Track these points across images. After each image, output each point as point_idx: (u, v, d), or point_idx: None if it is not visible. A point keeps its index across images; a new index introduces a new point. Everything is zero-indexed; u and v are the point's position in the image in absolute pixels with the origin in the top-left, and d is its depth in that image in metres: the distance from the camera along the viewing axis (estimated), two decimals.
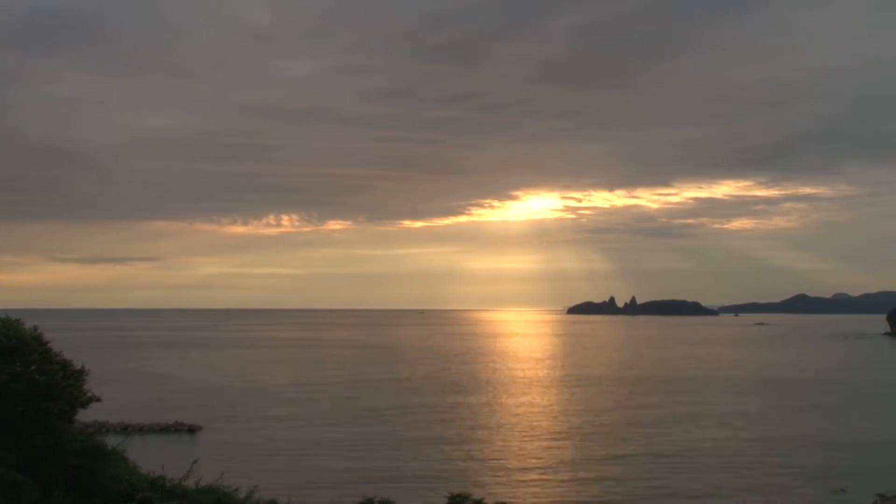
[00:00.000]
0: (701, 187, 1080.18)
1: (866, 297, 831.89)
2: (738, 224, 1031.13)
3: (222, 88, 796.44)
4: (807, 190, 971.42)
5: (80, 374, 16.22)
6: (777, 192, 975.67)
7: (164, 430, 69.72)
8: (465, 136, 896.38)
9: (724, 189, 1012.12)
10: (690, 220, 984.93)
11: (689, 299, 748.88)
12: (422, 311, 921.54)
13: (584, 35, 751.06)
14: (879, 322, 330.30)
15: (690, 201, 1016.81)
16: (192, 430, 70.48)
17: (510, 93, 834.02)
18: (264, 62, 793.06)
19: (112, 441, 16.36)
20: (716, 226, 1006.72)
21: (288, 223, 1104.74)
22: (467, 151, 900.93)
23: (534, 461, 58.68)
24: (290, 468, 55.24)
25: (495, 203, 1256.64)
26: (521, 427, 73.89)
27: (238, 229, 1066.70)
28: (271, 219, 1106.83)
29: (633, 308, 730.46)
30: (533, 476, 53.90)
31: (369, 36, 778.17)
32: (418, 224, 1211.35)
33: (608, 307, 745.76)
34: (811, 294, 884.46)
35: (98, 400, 16.55)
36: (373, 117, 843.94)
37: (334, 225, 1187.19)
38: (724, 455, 60.75)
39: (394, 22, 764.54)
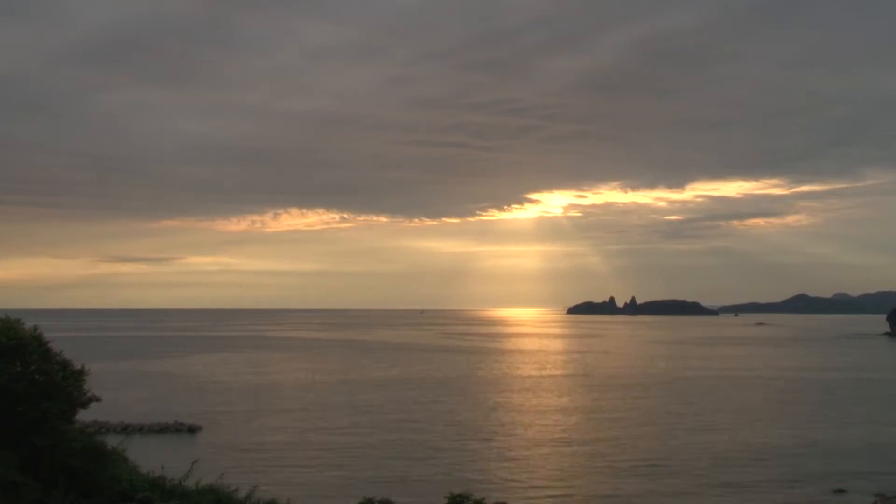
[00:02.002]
0: (717, 188, 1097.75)
1: (866, 296, 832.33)
2: (747, 225, 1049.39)
3: (273, 99, 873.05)
4: (822, 191, 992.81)
5: (80, 374, 16.18)
6: (790, 192, 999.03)
7: (164, 430, 69.67)
8: (493, 140, 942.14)
9: (738, 191, 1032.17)
10: (706, 222, 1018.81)
11: (689, 299, 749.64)
12: (422, 311, 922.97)
13: (625, 49, 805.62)
14: (879, 322, 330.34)
15: (702, 203, 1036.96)
16: (192, 430, 70.42)
17: (545, 101, 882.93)
18: (317, 74, 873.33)
19: (112, 441, 16.34)
20: (725, 226, 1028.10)
21: (303, 224, 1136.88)
22: (492, 154, 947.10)
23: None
24: (290, 468, 55.22)
25: (514, 205, 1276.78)
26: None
27: (242, 227, 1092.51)
28: (288, 220, 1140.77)
29: (632, 308, 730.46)
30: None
31: (420, 51, 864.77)
32: (429, 223, 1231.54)
33: (608, 307, 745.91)
34: (811, 294, 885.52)
35: (98, 400, 16.52)
36: (408, 124, 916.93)
37: (344, 225, 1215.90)
38: (724, 454, 60.74)
39: (445, 39, 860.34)
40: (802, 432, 71.82)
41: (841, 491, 49.51)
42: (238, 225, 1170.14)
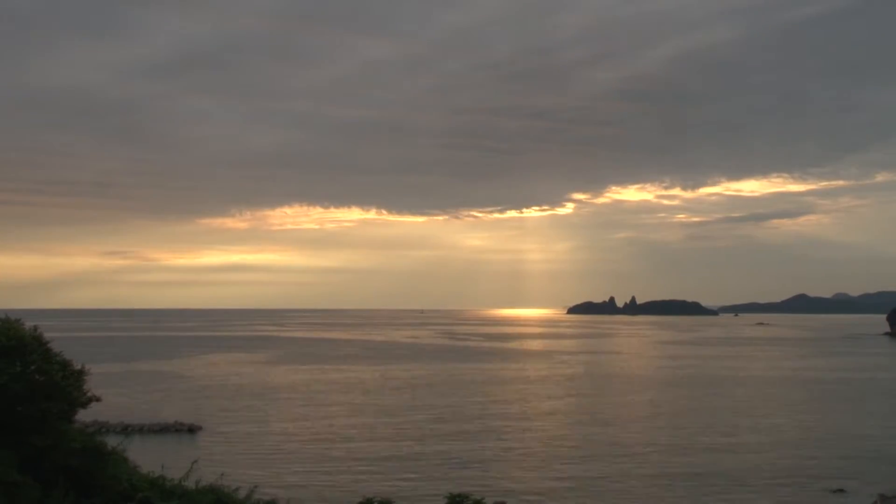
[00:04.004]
0: (731, 189, 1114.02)
1: (866, 296, 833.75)
2: (760, 227, 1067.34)
3: (319, 107, 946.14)
4: (836, 189, 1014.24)
5: (80, 374, 16.19)
6: (805, 193, 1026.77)
7: (164, 430, 69.62)
8: (519, 144, 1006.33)
9: (753, 192, 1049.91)
10: (719, 224, 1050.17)
11: (689, 299, 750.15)
12: (422, 311, 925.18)
13: (666, 62, 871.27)
14: (880, 322, 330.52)
15: (716, 204, 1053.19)
16: (192, 430, 70.36)
17: (573, 106, 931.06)
18: (365, 85, 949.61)
19: (112, 441, 16.34)
20: (735, 227, 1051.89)
21: (316, 223, 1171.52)
22: (516, 158, 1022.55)
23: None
24: (290, 468, 55.21)
25: (533, 206, 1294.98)
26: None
27: (244, 225, 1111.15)
28: (298, 220, 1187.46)
29: (632, 308, 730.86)
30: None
31: (467, 64, 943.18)
32: (439, 222, 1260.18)
33: (608, 307, 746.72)
34: (811, 294, 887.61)
35: (98, 400, 16.52)
36: (442, 129, 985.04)
37: (349, 225, 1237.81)
38: (724, 454, 60.77)
39: (492, 53, 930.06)
40: (803, 431, 71.80)
41: (841, 491, 49.48)
42: (248, 223, 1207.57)
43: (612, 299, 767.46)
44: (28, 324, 16.28)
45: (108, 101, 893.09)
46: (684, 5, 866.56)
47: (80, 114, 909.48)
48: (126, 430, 64.99)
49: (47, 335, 16.37)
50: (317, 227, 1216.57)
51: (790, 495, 48.77)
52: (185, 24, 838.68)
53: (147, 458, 19.26)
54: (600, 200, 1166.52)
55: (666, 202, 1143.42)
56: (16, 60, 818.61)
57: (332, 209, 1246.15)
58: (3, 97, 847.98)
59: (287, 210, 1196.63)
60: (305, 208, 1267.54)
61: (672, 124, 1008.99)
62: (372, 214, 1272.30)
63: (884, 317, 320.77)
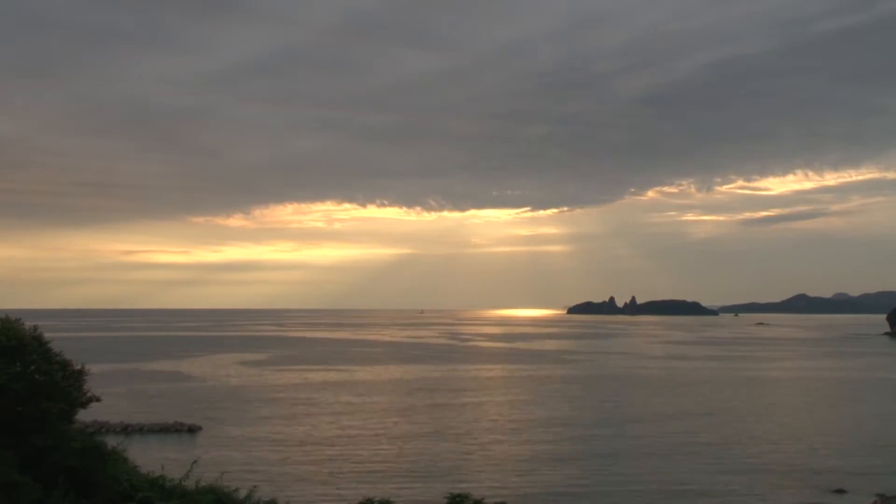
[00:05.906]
0: (746, 189, 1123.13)
1: (866, 296, 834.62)
2: (760, 228, 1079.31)
3: (353, 115, 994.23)
4: (849, 186, 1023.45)
5: (80, 374, 16.21)
6: (818, 191, 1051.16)
7: (164, 430, 69.64)
8: (542, 148, 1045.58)
9: (767, 194, 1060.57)
10: (728, 226, 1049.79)
11: (689, 299, 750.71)
12: (422, 311, 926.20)
13: (696, 71, 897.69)
14: (880, 322, 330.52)
15: (726, 205, 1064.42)
16: (192, 430, 70.37)
17: (605, 114, 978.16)
18: (402, 95, 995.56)
19: (112, 441, 16.36)
20: (740, 228, 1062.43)
21: (324, 223, 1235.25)
22: (536, 162, 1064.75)
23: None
24: (290, 468, 55.22)
25: (550, 208, 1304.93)
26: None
27: (257, 225, 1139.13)
28: (306, 217, 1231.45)
29: (633, 308, 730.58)
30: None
31: (508, 74, 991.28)
32: (445, 223, 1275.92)
33: (608, 307, 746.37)
34: (811, 294, 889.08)
35: (98, 400, 16.55)
36: (469, 134, 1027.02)
37: (355, 224, 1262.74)
38: (724, 453, 60.77)
39: (533, 64, 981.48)
40: (803, 431, 71.82)
41: (841, 491, 49.49)
42: (260, 222, 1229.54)
43: (612, 299, 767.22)
44: (28, 324, 16.30)
45: (157, 110, 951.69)
46: (724, 19, 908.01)
47: (127, 121, 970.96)
48: (126, 430, 65.07)
49: (47, 335, 16.39)
50: (324, 225, 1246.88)
51: (791, 495, 48.75)
52: (239, 38, 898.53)
53: (147, 458, 19.30)
54: (614, 201, 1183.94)
55: (676, 201, 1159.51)
56: (81, 72, 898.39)
57: (348, 208, 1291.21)
58: (60, 105, 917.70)
59: (301, 208, 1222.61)
60: (319, 207, 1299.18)
61: (690, 128, 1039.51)
62: (387, 214, 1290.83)
63: (884, 317, 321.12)
